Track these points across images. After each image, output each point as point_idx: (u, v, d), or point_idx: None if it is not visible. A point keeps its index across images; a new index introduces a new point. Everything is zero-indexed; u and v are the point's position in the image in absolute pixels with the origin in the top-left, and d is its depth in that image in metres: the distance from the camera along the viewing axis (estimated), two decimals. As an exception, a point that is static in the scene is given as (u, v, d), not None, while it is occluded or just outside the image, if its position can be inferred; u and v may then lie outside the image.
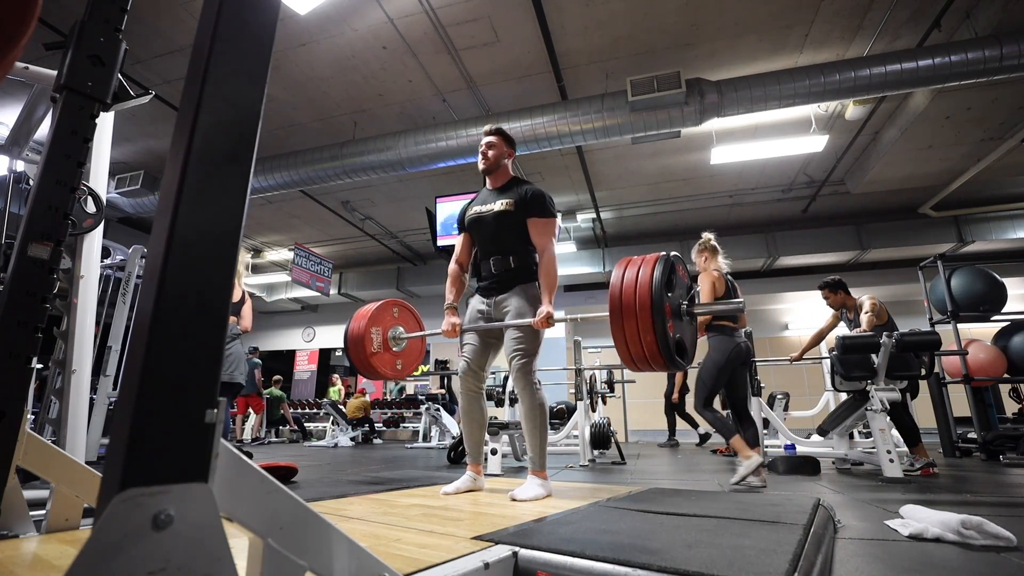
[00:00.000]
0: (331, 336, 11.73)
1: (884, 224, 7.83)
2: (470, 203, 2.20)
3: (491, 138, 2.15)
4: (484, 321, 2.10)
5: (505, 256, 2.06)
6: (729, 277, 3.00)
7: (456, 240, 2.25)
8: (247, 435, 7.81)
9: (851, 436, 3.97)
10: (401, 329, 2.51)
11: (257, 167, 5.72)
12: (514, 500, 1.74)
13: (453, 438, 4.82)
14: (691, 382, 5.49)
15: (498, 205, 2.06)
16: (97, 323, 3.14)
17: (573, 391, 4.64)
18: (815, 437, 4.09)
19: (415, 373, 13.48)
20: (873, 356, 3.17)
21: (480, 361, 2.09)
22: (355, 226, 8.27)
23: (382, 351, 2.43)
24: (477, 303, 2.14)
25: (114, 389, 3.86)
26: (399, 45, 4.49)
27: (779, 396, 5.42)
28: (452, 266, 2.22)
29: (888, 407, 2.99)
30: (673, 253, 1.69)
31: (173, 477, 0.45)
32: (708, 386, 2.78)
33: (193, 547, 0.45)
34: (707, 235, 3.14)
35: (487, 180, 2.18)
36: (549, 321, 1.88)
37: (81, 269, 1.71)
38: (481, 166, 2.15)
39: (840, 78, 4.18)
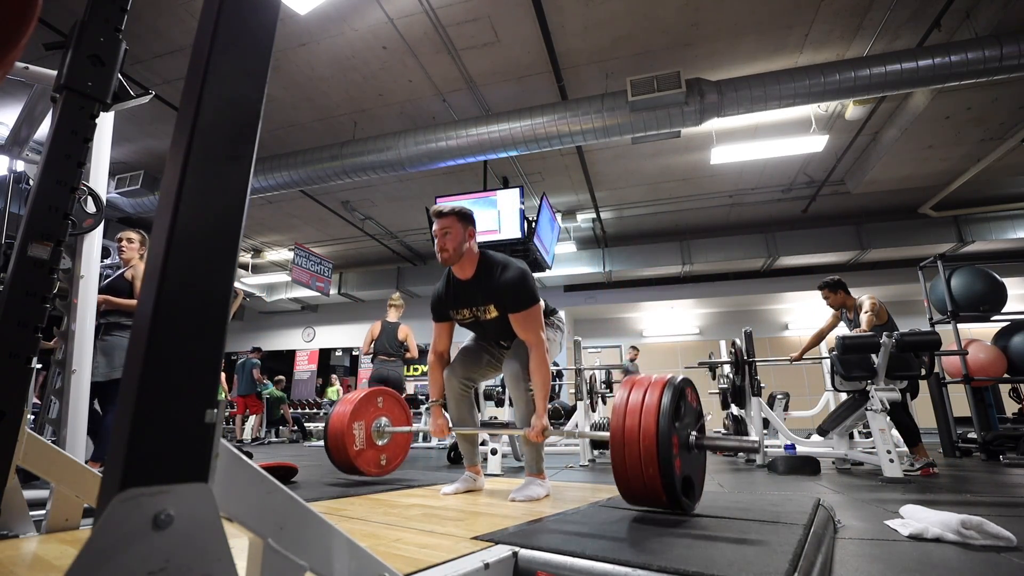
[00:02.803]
0: (331, 336, 11.72)
1: (884, 224, 7.83)
2: (444, 295, 1.98)
3: (444, 221, 1.85)
4: (486, 354, 2.09)
5: (500, 346, 2.07)
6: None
7: (433, 329, 2.05)
8: (247, 435, 7.79)
9: (851, 436, 3.97)
10: (385, 420, 2.42)
11: (257, 167, 5.72)
12: (513, 501, 1.74)
13: (453, 438, 4.82)
14: None
15: (484, 312, 1.90)
16: (97, 323, 3.13)
17: (573, 391, 4.64)
18: (815, 437, 4.09)
19: (415, 373, 13.54)
20: (873, 356, 3.17)
21: (470, 373, 2.06)
22: (355, 226, 8.27)
23: (365, 447, 2.34)
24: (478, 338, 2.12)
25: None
26: (399, 45, 4.48)
27: (779, 396, 5.42)
28: (431, 358, 2.06)
29: (888, 407, 3.00)
30: (682, 377, 1.51)
31: (173, 477, 0.45)
32: None
33: (193, 547, 0.45)
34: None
35: (452, 270, 1.94)
36: (544, 434, 1.79)
37: (81, 269, 1.71)
38: (441, 259, 1.86)
39: (840, 78, 4.18)
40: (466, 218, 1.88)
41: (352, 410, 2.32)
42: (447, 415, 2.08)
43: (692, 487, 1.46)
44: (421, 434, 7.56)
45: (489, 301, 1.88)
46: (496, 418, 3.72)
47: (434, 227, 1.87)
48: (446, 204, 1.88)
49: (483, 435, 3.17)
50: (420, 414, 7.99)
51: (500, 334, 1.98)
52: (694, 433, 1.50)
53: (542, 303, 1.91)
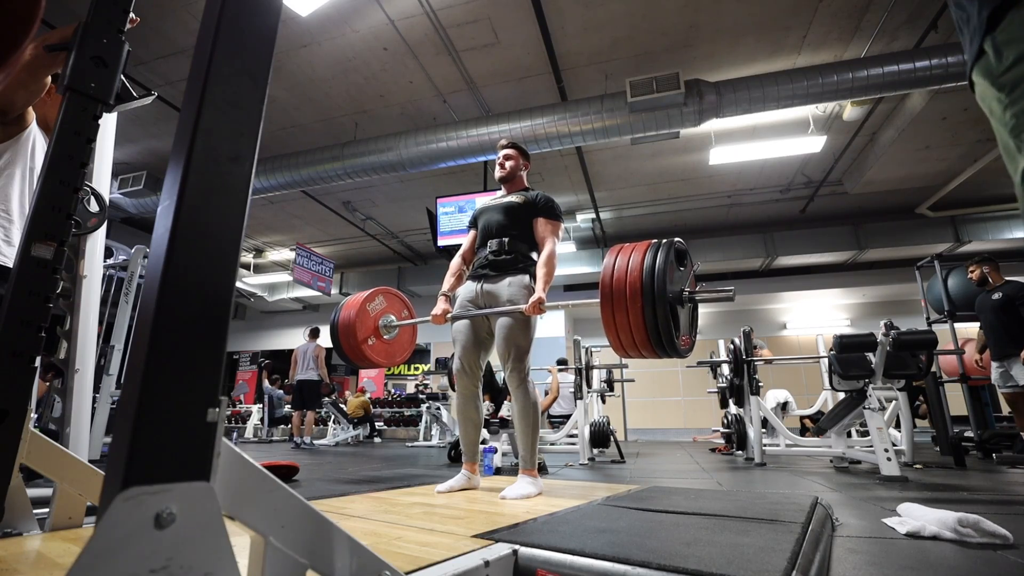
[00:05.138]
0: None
1: (881, 224, 7.84)
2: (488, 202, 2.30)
3: (509, 150, 2.26)
4: (474, 310, 2.10)
5: (502, 239, 2.09)
6: None
7: (465, 238, 2.32)
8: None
9: (848, 434, 3.98)
10: (392, 317, 2.48)
11: (259, 168, 5.72)
12: (504, 499, 1.74)
13: (454, 436, 4.83)
14: None
15: (507, 199, 2.18)
16: (100, 322, 3.15)
17: (573, 390, 4.64)
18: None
19: (416, 372, 13.51)
20: (870, 355, 3.18)
21: (472, 359, 2.06)
22: (356, 226, 8.27)
23: (375, 340, 2.41)
24: (467, 293, 2.12)
25: (117, 388, 3.87)
26: (400, 46, 4.49)
27: (782, 402, 5.48)
28: (456, 259, 2.27)
29: (885, 405, 3.01)
30: (677, 240, 1.67)
31: (175, 476, 0.45)
32: None
33: (195, 545, 0.46)
34: None
35: (503, 188, 2.28)
36: (540, 307, 1.87)
37: (84, 269, 1.72)
38: (498, 175, 2.25)
39: (838, 79, 4.19)
40: (524, 153, 2.30)
41: (360, 305, 2.35)
42: (451, 305, 2.17)
43: (677, 330, 1.57)
44: (421, 433, 7.57)
45: (524, 199, 2.14)
46: (499, 418, 3.72)
47: (498, 155, 2.28)
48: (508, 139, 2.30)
49: (483, 434, 3.17)
50: (421, 414, 8.00)
51: (498, 226, 2.12)
52: (686, 289, 1.63)
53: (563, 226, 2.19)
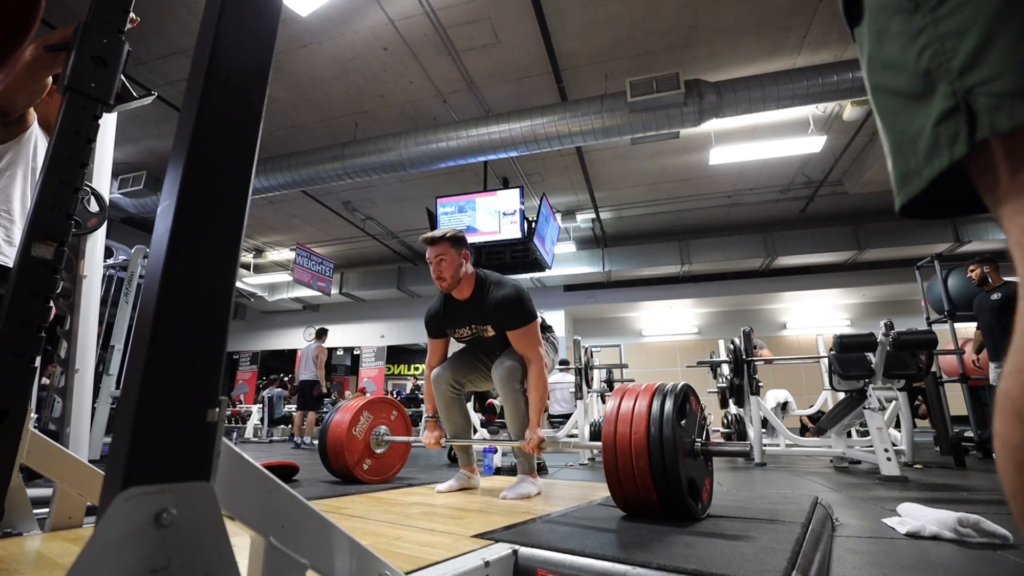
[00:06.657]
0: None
1: (881, 224, 7.84)
2: (442, 313, 2.00)
3: (438, 247, 1.85)
4: (480, 363, 2.06)
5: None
6: None
7: (428, 346, 2.08)
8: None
9: (848, 435, 3.98)
10: (383, 428, 2.40)
11: (259, 168, 5.72)
12: (504, 499, 1.75)
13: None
14: None
15: (483, 331, 1.94)
16: (100, 323, 3.16)
17: (573, 390, 4.64)
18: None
19: (416, 372, 13.48)
20: (870, 355, 3.18)
21: (459, 377, 2.03)
22: (356, 226, 8.28)
23: (363, 456, 2.33)
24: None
25: (117, 388, 3.88)
26: (400, 46, 4.49)
27: (782, 401, 5.48)
28: (427, 373, 2.09)
29: (885, 405, 3.01)
30: (683, 383, 1.49)
31: (175, 476, 0.45)
32: None
33: (195, 545, 0.46)
34: None
35: (452, 292, 1.95)
36: (540, 447, 1.79)
37: (84, 269, 1.72)
38: (441, 288, 1.90)
39: (838, 79, 4.19)
40: (459, 242, 1.90)
41: (351, 418, 2.30)
42: (442, 428, 2.08)
43: (697, 492, 1.41)
44: (421, 433, 7.58)
45: (487, 321, 1.90)
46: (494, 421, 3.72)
47: (428, 254, 1.88)
48: (437, 231, 1.89)
49: (483, 433, 3.16)
50: (421, 414, 8.01)
51: (500, 348, 1.99)
52: (698, 440, 1.48)
53: (539, 319, 1.94)
